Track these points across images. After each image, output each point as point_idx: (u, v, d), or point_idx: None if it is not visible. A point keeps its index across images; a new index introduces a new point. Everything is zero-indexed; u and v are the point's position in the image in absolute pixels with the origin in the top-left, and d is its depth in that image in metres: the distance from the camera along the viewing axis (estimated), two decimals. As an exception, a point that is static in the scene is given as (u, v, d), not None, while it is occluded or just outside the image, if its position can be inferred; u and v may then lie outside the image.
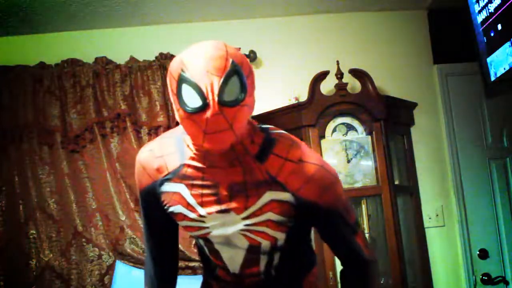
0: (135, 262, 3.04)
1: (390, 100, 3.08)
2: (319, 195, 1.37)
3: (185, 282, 1.87)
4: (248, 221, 1.40)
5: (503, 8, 2.34)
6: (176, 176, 1.42)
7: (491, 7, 2.44)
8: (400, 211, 3.04)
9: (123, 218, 3.08)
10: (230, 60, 1.21)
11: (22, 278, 3.00)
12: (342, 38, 3.43)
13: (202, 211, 1.41)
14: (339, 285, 2.77)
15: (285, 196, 1.37)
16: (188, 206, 1.42)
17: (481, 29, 2.58)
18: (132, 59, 3.22)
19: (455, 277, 3.26)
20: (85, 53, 3.20)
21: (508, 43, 2.34)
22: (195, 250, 2.96)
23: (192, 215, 1.42)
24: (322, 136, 2.97)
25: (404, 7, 3.44)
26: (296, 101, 3.11)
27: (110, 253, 3.07)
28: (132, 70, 3.18)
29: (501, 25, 2.38)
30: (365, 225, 3.00)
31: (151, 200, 1.50)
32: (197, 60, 1.21)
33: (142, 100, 3.15)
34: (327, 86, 3.10)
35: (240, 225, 1.41)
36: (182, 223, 1.48)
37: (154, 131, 3.12)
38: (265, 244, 1.45)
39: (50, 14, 3.08)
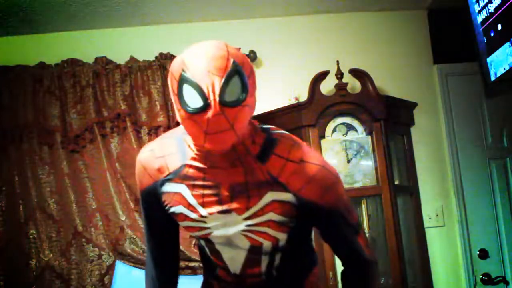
0: (135, 262, 3.04)
1: (390, 100, 3.08)
2: (320, 195, 1.37)
3: (185, 282, 1.87)
4: (249, 222, 1.39)
5: (503, 8, 2.34)
6: (177, 176, 1.41)
7: (491, 7, 2.44)
8: (400, 211, 3.04)
9: (123, 218, 3.08)
10: (231, 60, 1.21)
11: (22, 278, 3.00)
12: (342, 38, 3.43)
13: (203, 211, 1.41)
14: (339, 285, 2.78)
15: (287, 196, 1.37)
16: (189, 206, 1.42)
17: (481, 29, 2.58)
18: (132, 59, 3.22)
19: (455, 277, 3.26)
20: (85, 53, 3.20)
21: (508, 43, 2.34)
22: (195, 250, 2.96)
23: (193, 215, 1.42)
24: (322, 136, 2.97)
25: (404, 7, 3.44)
26: (296, 101, 3.11)
27: (110, 253, 3.07)
28: (132, 70, 3.18)
29: (501, 25, 2.39)
30: (365, 225, 3.00)
31: (152, 201, 1.50)
32: (198, 60, 1.20)
33: (142, 100, 3.15)
34: (327, 86, 3.10)
35: (242, 226, 1.40)
36: (183, 224, 1.48)
37: (154, 131, 3.12)
38: (267, 244, 1.44)
39: (50, 14, 3.07)
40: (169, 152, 1.44)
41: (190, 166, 1.39)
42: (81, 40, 3.29)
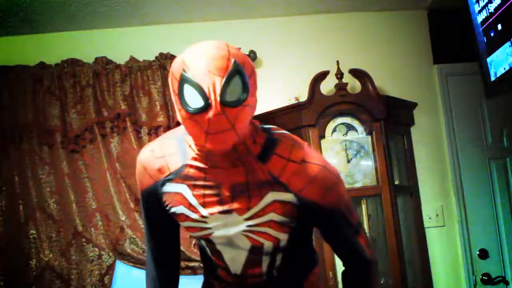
0: (135, 262, 3.04)
1: (390, 100, 3.08)
2: (322, 195, 1.37)
3: (185, 282, 1.87)
4: (250, 222, 1.39)
5: (503, 8, 2.34)
6: (178, 176, 1.41)
7: (491, 7, 2.44)
8: (400, 211, 3.04)
9: (123, 218, 3.08)
10: (232, 60, 1.21)
11: (22, 278, 3.00)
12: (342, 38, 3.43)
13: (204, 211, 1.40)
14: (339, 285, 2.78)
15: (288, 196, 1.37)
16: (190, 206, 1.41)
17: (481, 29, 2.58)
18: (132, 59, 3.22)
19: (455, 277, 3.26)
20: (85, 53, 3.20)
21: (508, 43, 2.34)
22: (195, 250, 2.96)
23: (194, 215, 1.42)
24: (322, 136, 2.97)
25: (404, 7, 3.44)
26: (296, 101, 3.11)
27: (110, 253, 3.07)
28: (132, 70, 3.17)
29: (501, 25, 2.39)
30: (365, 225, 3.00)
31: (152, 201, 1.50)
32: (199, 60, 1.20)
33: (142, 100, 3.15)
34: (327, 86, 3.10)
35: (243, 226, 1.40)
36: (184, 224, 1.48)
37: (154, 131, 3.12)
38: (268, 245, 1.44)
39: (50, 14, 3.07)
40: (169, 152, 1.44)
41: (191, 166, 1.39)
42: (81, 40, 3.29)
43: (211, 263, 1.58)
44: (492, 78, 2.57)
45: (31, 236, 3.04)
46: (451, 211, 3.32)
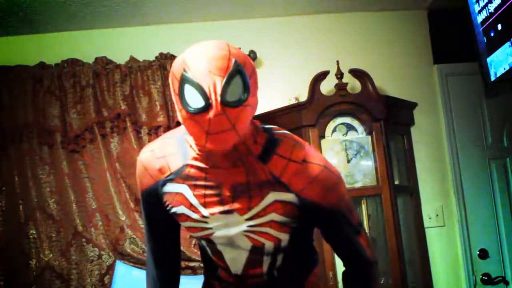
0: (135, 262, 3.03)
1: (390, 100, 3.08)
2: (323, 196, 1.37)
3: (185, 282, 1.87)
4: (251, 222, 1.39)
5: (503, 8, 2.34)
6: (179, 176, 1.41)
7: (491, 7, 2.44)
8: (400, 211, 3.04)
9: (123, 218, 3.08)
10: (233, 60, 1.21)
11: (22, 278, 3.00)
12: (342, 38, 3.43)
13: (205, 211, 1.40)
14: (340, 285, 2.78)
15: (289, 196, 1.36)
16: (191, 206, 1.41)
17: (481, 29, 2.58)
18: (132, 59, 3.21)
19: (455, 277, 3.26)
20: (85, 53, 3.20)
21: (508, 43, 2.34)
22: (195, 250, 2.96)
23: (195, 216, 1.42)
24: (322, 136, 2.97)
25: (404, 7, 3.44)
26: (296, 101, 3.11)
27: (110, 253, 3.07)
28: (132, 70, 3.17)
29: (501, 25, 2.39)
30: (365, 225, 3.00)
31: (153, 201, 1.50)
32: (199, 60, 1.20)
33: (142, 100, 3.15)
34: (327, 86, 3.10)
35: (244, 226, 1.40)
36: (184, 224, 1.48)
37: (154, 131, 3.12)
38: (269, 245, 1.44)
39: (50, 14, 3.07)
40: (170, 152, 1.44)
41: (192, 166, 1.39)
42: (81, 40, 3.29)
43: (211, 263, 1.58)
44: (492, 78, 2.57)
45: (31, 236, 3.04)
46: (451, 211, 3.32)
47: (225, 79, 1.18)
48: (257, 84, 1.30)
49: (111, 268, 3.06)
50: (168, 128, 3.07)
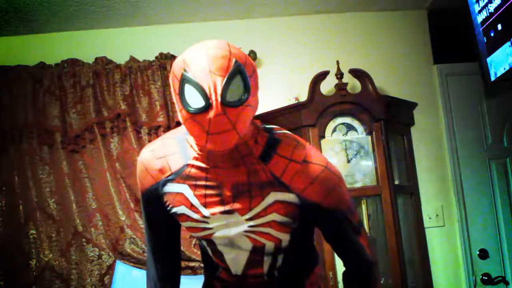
0: (135, 262, 3.03)
1: (390, 100, 3.08)
2: (323, 196, 1.37)
3: (185, 282, 1.87)
4: (252, 222, 1.39)
5: (503, 8, 2.34)
6: (179, 176, 1.41)
7: (491, 7, 2.44)
8: (400, 211, 3.04)
9: (123, 218, 3.07)
10: (233, 60, 1.21)
11: (22, 278, 3.00)
12: (342, 38, 3.43)
13: (206, 212, 1.40)
14: (340, 285, 2.78)
15: (290, 197, 1.36)
16: (192, 207, 1.41)
17: (481, 29, 2.58)
18: (132, 59, 3.21)
19: (455, 277, 3.26)
20: (85, 53, 3.20)
21: (508, 43, 2.34)
22: (195, 250, 2.96)
23: (195, 216, 1.42)
24: (322, 136, 2.96)
25: (404, 7, 3.44)
26: (296, 101, 3.11)
27: (110, 253, 3.07)
28: (132, 70, 3.17)
29: (501, 25, 2.39)
30: (365, 225, 3.00)
31: (153, 201, 1.50)
32: (200, 60, 1.20)
33: (142, 100, 3.15)
34: (327, 86, 3.10)
35: (244, 226, 1.40)
36: (185, 224, 1.47)
37: (154, 131, 3.12)
38: (269, 245, 1.44)
39: (50, 14, 3.07)
40: (170, 152, 1.43)
41: (192, 166, 1.38)
42: (81, 40, 3.29)
43: (212, 263, 1.58)
44: (492, 78, 2.57)
45: (31, 236, 3.04)
46: (451, 211, 3.31)
47: (225, 79, 1.18)
48: (257, 84, 1.30)
49: (111, 268, 3.06)
50: (168, 128, 3.07)
